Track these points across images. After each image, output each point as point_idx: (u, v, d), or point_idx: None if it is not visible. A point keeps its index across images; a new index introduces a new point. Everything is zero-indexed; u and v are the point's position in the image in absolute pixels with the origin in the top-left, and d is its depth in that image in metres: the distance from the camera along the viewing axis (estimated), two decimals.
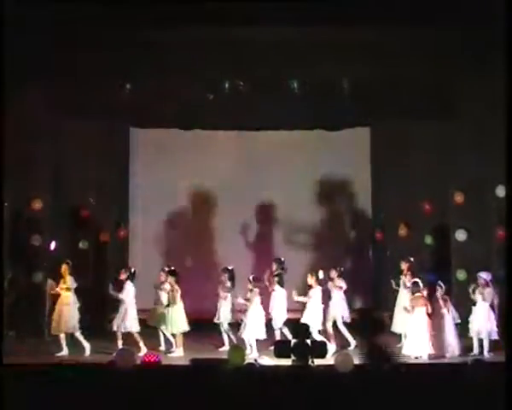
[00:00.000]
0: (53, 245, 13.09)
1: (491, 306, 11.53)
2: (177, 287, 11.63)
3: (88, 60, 11.98)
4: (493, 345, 11.32)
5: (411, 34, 11.63)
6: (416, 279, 11.50)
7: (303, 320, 11.32)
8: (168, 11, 11.28)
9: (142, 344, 11.42)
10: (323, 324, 11.79)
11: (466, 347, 11.41)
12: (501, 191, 12.87)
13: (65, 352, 11.38)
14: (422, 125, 13.88)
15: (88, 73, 12.16)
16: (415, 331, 11.14)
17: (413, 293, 11.35)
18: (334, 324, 12.06)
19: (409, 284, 11.80)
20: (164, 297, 11.89)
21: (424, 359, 10.99)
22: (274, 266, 12.25)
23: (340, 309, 12.13)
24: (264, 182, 14.99)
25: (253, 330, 11.41)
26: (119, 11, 11.22)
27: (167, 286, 11.79)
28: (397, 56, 11.91)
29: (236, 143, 15.16)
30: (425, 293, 11.34)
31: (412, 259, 12.49)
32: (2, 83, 10.75)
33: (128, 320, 11.51)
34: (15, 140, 12.15)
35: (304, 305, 11.78)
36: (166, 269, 11.98)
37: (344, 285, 12.12)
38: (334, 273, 12.13)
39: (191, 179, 15.03)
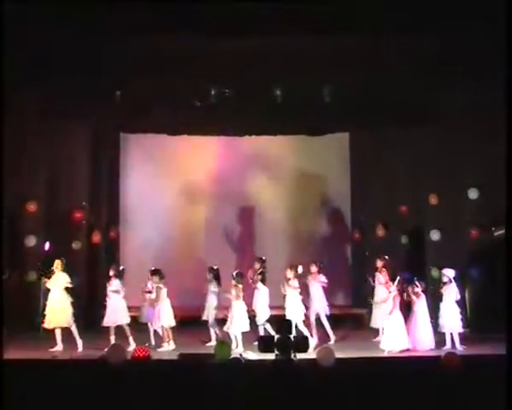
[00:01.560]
0: (47, 246, 13.06)
1: (457, 301, 11.61)
2: (161, 285, 11.64)
3: (80, 67, 11.92)
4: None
5: (390, 44, 11.68)
6: (398, 277, 11.55)
7: (287, 314, 11.38)
8: (157, 21, 11.26)
9: (131, 340, 11.37)
10: (306, 316, 11.82)
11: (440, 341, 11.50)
12: (472, 193, 13.02)
13: (60, 347, 11.30)
14: (399, 131, 13.98)
15: (80, 81, 12.11)
16: (392, 327, 11.20)
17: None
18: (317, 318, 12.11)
19: (383, 281, 11.88)
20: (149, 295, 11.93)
21: (400, 353, 11.04)
22: (257, 265, 12.25)
23: (322, 304, 12.18)
24: (248, 185, 15.03)
25: (239, 324, 11.44)
26: (108, 20, 11.18)
27: (149, 285, 11.83)
28: (375, 66, 11.96)
29: (222, 147, 15.18)
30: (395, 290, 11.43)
31: (387, 257, 12.58)
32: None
33: (118, 314, 11.49)
34: (10, 143, 12.13)
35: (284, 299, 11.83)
36: (152, 269, 12.01)
37: (325, 280, 12.18)
38: (314, 268, 12.19)
39: (178, 182, 15.03)
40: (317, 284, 12.10)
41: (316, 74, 12.26)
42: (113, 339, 11.24)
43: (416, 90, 12.66)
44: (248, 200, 15.16)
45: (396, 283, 11.39)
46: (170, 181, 15.03)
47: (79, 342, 11.35)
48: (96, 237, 13.95)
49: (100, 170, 14.33)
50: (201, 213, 15.16)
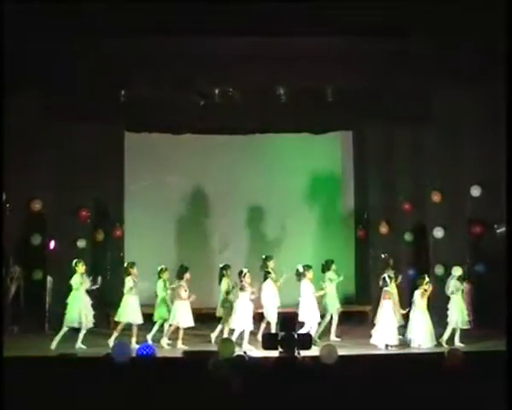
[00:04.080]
0: (52, 244, 13.11)
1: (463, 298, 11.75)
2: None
3: (85, 66, 11.95)
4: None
5: (392, 43, 11.69)
6: (384, 275, 11.62)
7: (301, 316, 11.42)
8: (162, 21, 11.28)
9: (134, 339, 11.38)
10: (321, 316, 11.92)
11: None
12: (475, 191, 13.02)
13: (82, 345, 11.33)
14: (402, 129, 13.99)
15: (85, 80, 12.14)
16: (382, 322, 11.27)
17: (381, 287, 11.51)
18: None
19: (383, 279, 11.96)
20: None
21: (389, 348, 11.10)
22: (267, 263, 12.24)
23: (335, 302, 12.25)
24: (252, 183, 15.02)
25: (243, 323, 11.42)
26: (115, 20, 11.21)
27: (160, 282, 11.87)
28: (377, 65, 11.97)
29: (226, 146, 15.17)
30: (393, 287, 11.48)
31: (390, 256, 12.64)
32: (1, 86, 10.74)
33: (132, 313, 11.53)
34: (15, 142, 12.18)
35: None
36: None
37: (336, 278, 12.26)
38: (333, 267, 12.25)
39: (182, 181, 15.05)
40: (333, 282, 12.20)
41: (319, 73, 12.28)
42: (115, 335, 11.31)
43: (418, 88, 12.67)
44: (251, 198, 15.14)
45: (388, 281, 11.48)
46: (174, 180, 15.04)
47: (79, 341, 11.36)
48: (101, 236, 13.98)
49: (104, 168, 14.35)
50: (205, 212, 15.16)
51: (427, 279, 11.47)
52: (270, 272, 12.04)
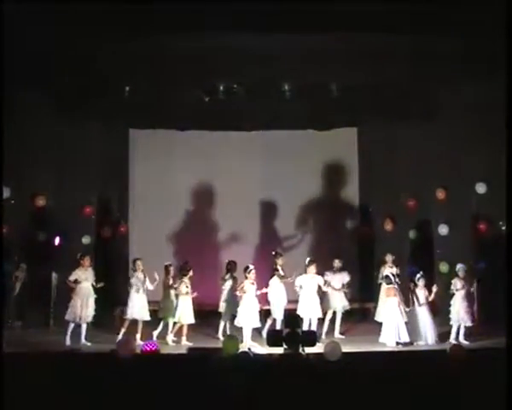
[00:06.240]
0: (57, 241, 13.17)
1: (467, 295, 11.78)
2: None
3: (88, 63, 11.98)
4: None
5: (396, 41, 11.70)
6: (387, 273, 11.65)
7: (300, 310, 11.45)
8: (166, 18, 11.30)
9: (139, 335, 11.47)
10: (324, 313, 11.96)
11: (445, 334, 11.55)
12: (480, 188, 13.02)
13: (87, 342, 11.40)
14: (406, 126, 13.99)
15: (89, 77, 12.18)
16: (388, 320, 11.30)
17: (387, 284, 11.54)
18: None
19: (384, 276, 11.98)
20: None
21: (394, 346, 11.10)
22: (276, 260, 12.28)
23: (339, 300, 12.31)
24: (256, 179, 15.04)
25: (248, 319, 11.46)
26: (119, 16, 11.22)
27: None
28: (382, 62, 11.97)
29: (231, 142, 15.19)
30: (396, 285, 11.51)
31: (392, 252, 12.68)
32: (2, 83, 10.78)
33: (138, 309, 11.62)
34: (19, 140, 12.22)
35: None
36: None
37: (348, 278, 12.38)
38: (337, 263, 12.32)
39: (187, 177, 15.08)
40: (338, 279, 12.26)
41: (324, 70, 12.28)
42: (122, 331, 11.38)
43: (422, 85, 12.67)
44: (255, 195, 15.16)
45: (393, 278, 11.52)
46: (178, 176, 15.08)
47: (82, 337, 11.45)
48: (106, 232, 14.03)
49: (109, 165, 14.39)
50: (209, 208, 15.19)
51: (418, 275, 11.52)
52: (277, 270, 12.08)
